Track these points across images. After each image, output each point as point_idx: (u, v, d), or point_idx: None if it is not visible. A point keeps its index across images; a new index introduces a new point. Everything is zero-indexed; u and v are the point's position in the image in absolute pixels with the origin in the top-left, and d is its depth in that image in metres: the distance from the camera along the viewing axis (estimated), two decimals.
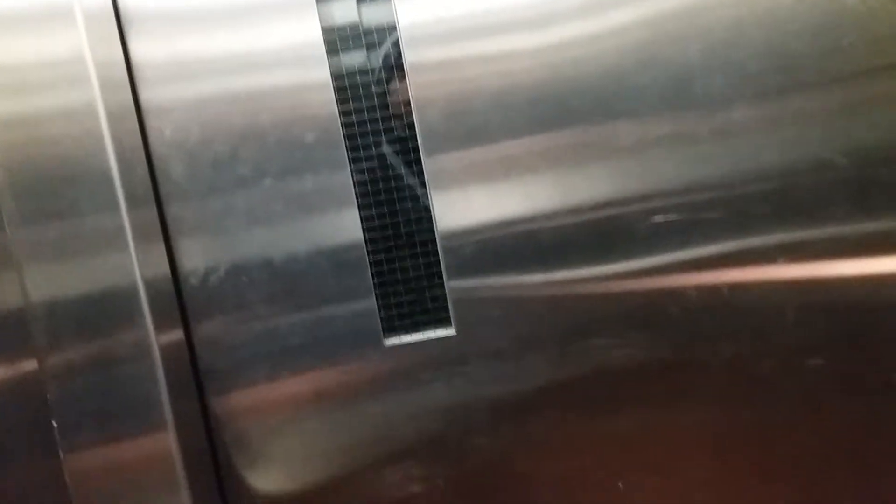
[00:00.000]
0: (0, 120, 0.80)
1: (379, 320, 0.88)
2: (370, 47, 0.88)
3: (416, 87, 0.85)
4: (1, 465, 0.84)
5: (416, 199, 0.89)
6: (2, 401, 0.84)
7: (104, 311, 0.82)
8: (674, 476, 0.89)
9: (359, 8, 0.87)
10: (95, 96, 0.81)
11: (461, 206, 0.86)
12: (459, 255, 0.87)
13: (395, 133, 0.88)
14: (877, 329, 0.85)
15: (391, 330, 0.90)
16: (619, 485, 0.89)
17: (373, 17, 0.87)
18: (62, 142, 0.80)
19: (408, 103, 0.85)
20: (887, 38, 0.82)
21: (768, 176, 0.83)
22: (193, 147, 0.85)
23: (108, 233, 0.81)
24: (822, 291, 0.85)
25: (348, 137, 0.86)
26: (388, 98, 0.88)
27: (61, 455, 0.83)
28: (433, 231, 0.87)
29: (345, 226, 0.87)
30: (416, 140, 0.86)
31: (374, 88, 0.87)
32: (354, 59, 0.87)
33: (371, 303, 0.88)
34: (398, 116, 0.88)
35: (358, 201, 0.87)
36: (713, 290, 0.86)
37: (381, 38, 0.87)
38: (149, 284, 0.82)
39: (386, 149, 0.88)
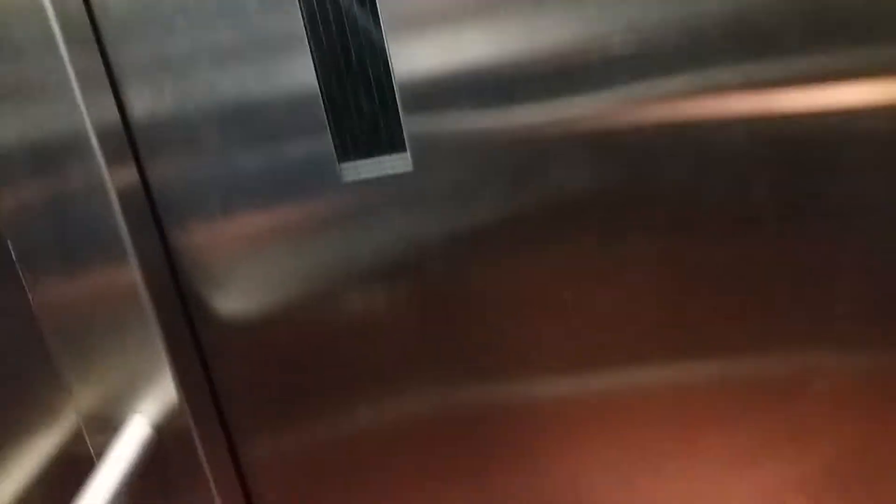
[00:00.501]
0: None
1: (335, 153, 0.90)
2: None
3: None
4: None
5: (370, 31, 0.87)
6: None
7: (56, 154, 0.82)
8: (621, 287, 0.95)
9: None
10: None
11: (417, 42, 0.85)
12: (416, 91, 0.87)
13: None
14: (818, 158, 0.88)
15: (346, 157, 0.91)
16: (566, 295, 0.96)
17: None
18: None
19: None
20: None
21: (724, 9, 0.83)
22: None
23: (49, 74, 0.80)
24: (770, 122, 0.87)
25: None
26: None
27: (26, 289, 0.87)
28: (388, 65, 0.87)
29: (297, 60, 0.86)
30: None
31: None
32: None
33: (326, 136, 0.89)
34: None
35: (308, 34, 0.85)
36: (667, 122, 0.87)
37: None
38: (97, 125, 0.82)
39: None
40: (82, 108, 0.81)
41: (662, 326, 0.98)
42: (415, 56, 0.86)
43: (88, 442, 0.94)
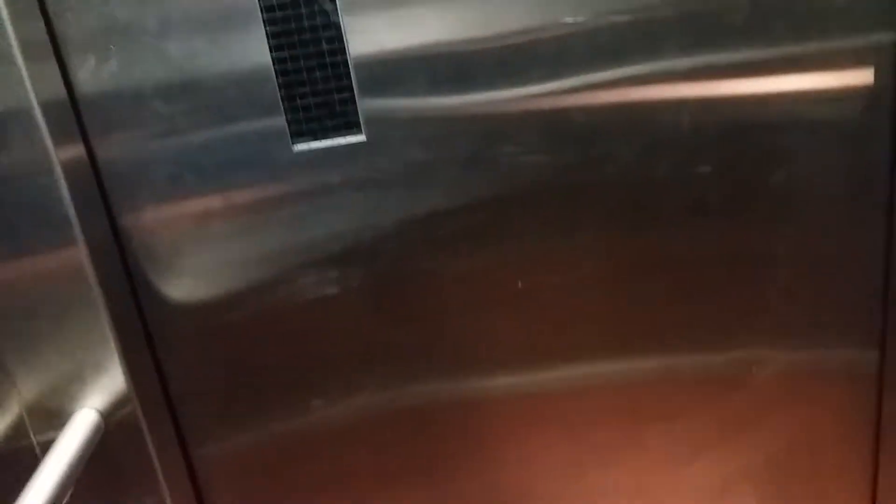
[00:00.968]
0: None
1: (288, 132, 0.88)
2: None
3: None
4: None
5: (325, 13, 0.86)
6: None
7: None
8: (571, 273, 0.96)
9: None
10: None
11: (373, 22, 0.84)
12: (371, 72, 0.86)
13: None
14: (759, 141, 0.90)
15: (300, 138, 0.89)
16: (519, 284, 0.96)
17: None
18: None
19: None
20: None
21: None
22: None
23: None
24: (716, 108, 0.88)
25: None
26: None
27: None
28: (345, 48, 0.85)
29: (251, 35, 0.84)
30: None
31: None
32: None
33: (280, 115, 0.87)
34: None
35: (263, 13, 0.83)
36: (616, 106, 0.88)
37: None
38: (42, 101, 0.79)
39: None
40: (26, 80, 0.77)
41: (610, 318, 0.99)
42: (370, 36, 0.85)
43: (32, 435, 0.89)
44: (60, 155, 0.81)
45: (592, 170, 0.91)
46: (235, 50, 0.85)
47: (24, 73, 0.77)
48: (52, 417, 0.89)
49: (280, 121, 0.88)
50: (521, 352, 1.00)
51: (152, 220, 0.90)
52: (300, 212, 0.92)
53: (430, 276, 0.95)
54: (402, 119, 0.88)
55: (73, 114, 0.83)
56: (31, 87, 0.77)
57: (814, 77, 0.88)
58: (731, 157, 0.91)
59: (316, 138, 0.90)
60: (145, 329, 0.94)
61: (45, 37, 0.80)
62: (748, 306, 0.98)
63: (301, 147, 0.89)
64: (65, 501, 0.81)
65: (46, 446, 0.86)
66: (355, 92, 0.87)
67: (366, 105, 0.87)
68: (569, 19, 0.85)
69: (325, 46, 0.86)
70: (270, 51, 0.85)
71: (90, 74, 0.83)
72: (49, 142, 0.79)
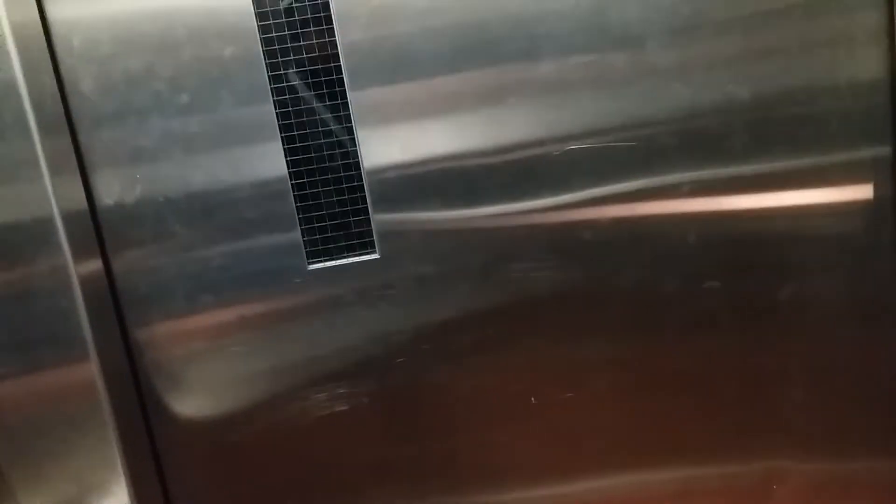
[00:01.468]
0: None
1: (304, 250, 0.89)
2: None
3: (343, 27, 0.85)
4: None
5: (341, 130, 0.89)
6: None
7: (21, 242, 0.79)
8: (584, 388, 0.95)
9: None
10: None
11: (386, 140, 0.87)
12: (385, 188, 0.88)
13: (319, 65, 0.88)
14: (766, 255, 0.91)
15: (315, 257, 0.91)
16: (532, 400, 0.95)
17: None
18: None
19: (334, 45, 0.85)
20: None
21: (675, 116, 0.87)
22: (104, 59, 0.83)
23: (20, 157, 0.78)
24: (721, 223, 0.90)
25: (270, 66, 0.85)
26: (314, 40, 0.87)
27: None
28: (359, 164, 0.88)
29: (268, 154, 0.86)
30: (343, 75, 0.86)
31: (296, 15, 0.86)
32: None
33: (295, 233, 0.88)
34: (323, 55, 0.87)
35: (281, 132, 0.86)
36: (623, 221, 0.90)
37: None
38: (65, 213, 0.80)
39: (303, 88, 0.88)
40: (50, 193, 0.79)
41: (624, 432, 0.97)
42: (384, 152, 0.88)
43: None
44: (79, 269, 0.81)
45: (602, 284, 0.92)
46: (253, 170, 0.87)
47: (49, 186, 0.79)
48: None
49: (295, 238, 0.89)
50: (535, 467, 0.97)
51: (165, 335, 0.90)
52: (312, 327, 0.92)
53: (442, 392, 0.94)
54: (415, 235, 0.90)
55: (94, 228, 0.85)
56: (55, 200, 0.79)
57: (815, 192, 0.90)
58: (739, 272, 0.92)
59: (331, 258, 0.91)
60: (153, 448, 0.92)
61: (71, 152, 0.82)
62: (765, 419, 0.96)
63: (316, 266, 0.90)
64: None
65: None
66: (370, 210, 0.89)
67: (379, 222, 0.89)
68: (574, 146, 0.88)
69: (340, 163, 0.89)
70: (289, 173, 0.87)
71: (111, 190, 0.85)
72: (69, 255, 0.80)
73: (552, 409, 0.95)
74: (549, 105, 0.87)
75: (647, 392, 0.96)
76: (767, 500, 0.99)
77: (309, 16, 0.85)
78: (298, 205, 0.89)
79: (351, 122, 0.86)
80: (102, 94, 0.84)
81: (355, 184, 0.89)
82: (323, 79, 0.87)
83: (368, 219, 0.89)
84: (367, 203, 0.89)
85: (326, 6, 0.84)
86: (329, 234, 0.91)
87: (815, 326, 0.94)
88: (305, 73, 0.87)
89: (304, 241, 0.89)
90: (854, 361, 0.95)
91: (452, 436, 0.96)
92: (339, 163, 0.89)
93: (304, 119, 0.88)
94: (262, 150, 0.87)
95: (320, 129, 0.88)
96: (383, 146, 0.87)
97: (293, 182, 0.88)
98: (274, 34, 0.85)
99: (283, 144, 0.87)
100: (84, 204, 0.84)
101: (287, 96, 0.86)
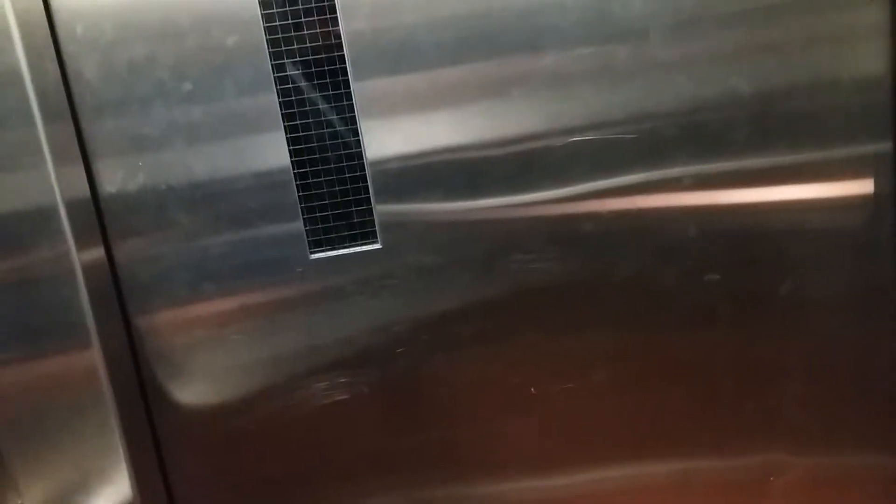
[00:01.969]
0: None
1: (306, 240, 0.89)
2: None
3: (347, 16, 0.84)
4: None
5: (344, 121, 0.89)
6: None
7: (23, 230, 0.80)
8: (583, 379, 0.95)
9: None
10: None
11: (389, 131, 0.87)
12: (387, 179, 0.88)
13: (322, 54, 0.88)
14: (766, 250, 0.92)
15: (317, 247, 0.91)
16: (532, 390, 0.96)
17: None
18: None
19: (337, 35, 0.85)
20: None
21: (677, 110, 0.87)
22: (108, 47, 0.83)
23: (22, 146, 0.79)
24: (722, 217, 0.91)
25: (273, 55, 0.85)
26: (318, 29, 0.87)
27: None
28: (362, 154, 0.88)
29: (271, 143, 0.87)
30: (346, 65, 0.86)
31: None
32: None
33: (298, 222, 0.89)
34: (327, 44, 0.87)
35: (284, 121, 0.86)
36: (624, 214, 0.90)
37: None
38: (67, 201, 0.80)
39: (308, 89, 0.88)
40: (53, 181, 0.79)
41: (623, 424, 0.98)
42: (387, 143, 0.88)
43: None
44: (81, 256, 0.81)
45: (603, 276, 0.92)
46: (256, 159, 0.87)
47: (52, 174, 0.79)
48: None
49: (297, 227, 0.89)
50: (533, 457, 0.98)
51: (167, 323, 0.90)
52: (313, 317, 0.92)
53: (442, 382, 0.95)
54: (417, 225, 0.90)
55: (96, 216, 0.85)
56: (58, 188, 0.79)
57: (815, 187, 0.90)
58: (739, 266, 0.93)
59: (333, 247, 0.91)
60: (154, 435, 0.92)
61: (74, 141, 0.82)
62: (763, 413, 0.97)
63: (318, 256, 0.90)
64: None
65: None
66: (372, 200, 0.89)
67: (381, 212, 0.89)
68: (576, 137, 0.88)
69: (343, 153, 0.89)
70: (291, 157, 0.87)
71: (113, 178, 0.85)
72: (72, 243, 0.80)
73: (551, 401, 0.96)
74: (552, 97, 0.87)
75: (646, 384, 0.96)
76: (765, 493, 1.00)
77: (313, 4, 0.85)
78: (301, 194, 0.89)
79: (354, 112, 0.87)
80: (106, 81, 0.83)
81: (358, 174, 0.90)
82: (326, 68, 0.87)
83: (371, 209, 0.90)
84: (369, 193, 0.89)
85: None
86: (331, 224, 0.91)
87: (814, 321, 0.94)
88: (309, 62, 0.87)
89: (306, 230, 0.90)
90: (852, 356, 0.95)
91: (452, 425, 0.96)
92: (342, 152, 0.89)
93: (308, 108, 0.88)
94: (265, 140, 0.87)
95: (323, 118, 0.88)
96: (386, 137, 0.87)
97: (296, 171, 0.88)
98: (277, 23, 0.85)
99: (287, 133, 0.87)
100: (87, 192, 0.84)
101: (290, 85, 0.86)
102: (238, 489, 0.96)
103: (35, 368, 0.83)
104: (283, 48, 0.86)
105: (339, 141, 0.89)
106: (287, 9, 0.86)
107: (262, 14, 0.84)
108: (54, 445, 0.85)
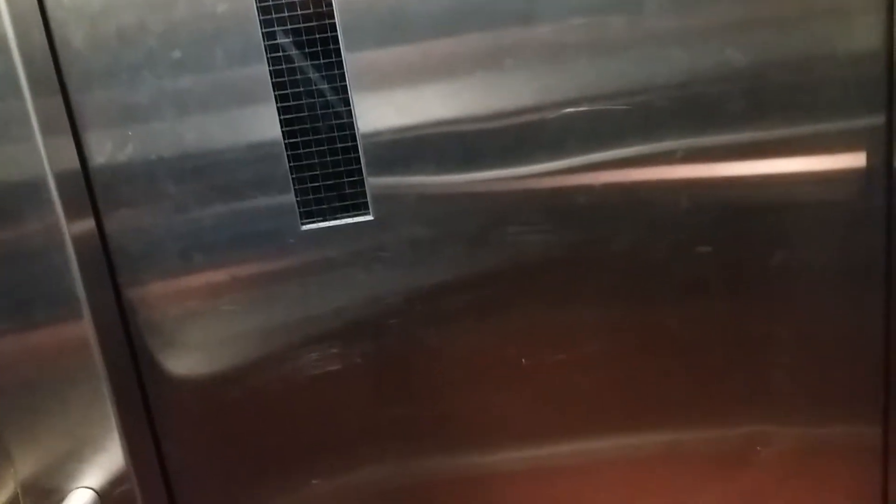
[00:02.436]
0: None
1: (297, 211, 0.89)
2: None
3: None
4: None
5: (335, 91, 0.88)
6: None
7: (12, 201, 0.79)
8: (574, 350, 0.96)
9: None
10: None
11: (381, 102, 0.86)
12: (379, 150, 0.88)
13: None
14: (758, 221, 0.92)
15: (308, 218, 0.91)
16: (522, 361, 0.96)
17: None
18: None
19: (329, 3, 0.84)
20: None
21: (672, 81, 0.87)
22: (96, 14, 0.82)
23: (11, 116, 0.77)
24: (715, 189, 0.91)
25: (264, 23, 0.84)
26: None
27: None
28: (354, 125, 0.87)
29: (262, 114, 0.86)
30: (338, 35, 0.85)
31: None
32: None
33: (289, 193, 0.88)
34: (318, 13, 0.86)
35: (275, 90, 0.85)
36: (618, 186, 0.90)
37: None
38: (57, 172, 0.80)
39: (293, 50, 0.87)
40: (42, 152, 0.78)
41: (613, 395, 0.99)
42: (379, 114, 0.87)
43: None
44: (71, 228, 0.81)
45: (595, 248, 0.93)
46: (247, 130, 0.87)
47: (41, 145, 0.78)
48: (48, 496, 0.87)
49: (289, 199, 0.89)
50: (524, 428, 0.99)
51: (158, 294, 0.90)
52: (305, 288, 0.92)
53: (433, 353, 0.95)
54: (409, 198, 0.90)
55: (86, 187, 0.84)
56: (47, 159, 0.78)
57: (808, 160, 0.90)
58: (730, 238, 0.93)
59: (324, 219, 0.91)
60: (146, 406, 0.93)
61: (62, 111, 0.81)
62: (752, 384, 0.98)
63: (309, 227, 0.90)
64: None
65: None
66: (364, 172, 0.89)
67: (373, 184, 0.89)
68: (570, 109, 0.87)
69: (334, 123, 0.88)
70: (282, 133, 0.87)
71: (103, 149, 0.84)
72: (61, 214, 0.80)
73: (543, 372, 0.96)
74: (547, 69, 0.86)
75: (637, 355, 0.97)
76: (751, 462, 1.01)
77: None
78: (292, 164, 0.88)
79: (346, 83, 0.86)
80: (94, 50, 0.82)
81: (350, 144, 0.89)
82: (318, 36, 0.86)
83: (362, 180, 0.89)
84: (361, 165, 0.89)
85: None
86: (322, 195, 0.90)
87: (804, 293, 0.95)
88: (300, 31, 0.86)
89: (297, 201, 0.89)
90: (840, 328, 0.96)
91: (444, 397, 0.97)
92: (334, 122, 0.88)
93: (299, 79, 0.87)
94: (256, 110, 0.86)
95: (315, 89, 0.87)
96: (378, 108, 0.86)
97: (287, 142, 0.87)
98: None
99: (278, 103, 0.86)
100: (76, 162, 0.83)
101: (281, 54, 0.85)
102: (230, 459, 0.97)
103: (26, 340, 0.83)
104: (274, 15, 0.84)
105: (331, 111, 0.88)
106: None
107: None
108: (47, 416, 0.85)
